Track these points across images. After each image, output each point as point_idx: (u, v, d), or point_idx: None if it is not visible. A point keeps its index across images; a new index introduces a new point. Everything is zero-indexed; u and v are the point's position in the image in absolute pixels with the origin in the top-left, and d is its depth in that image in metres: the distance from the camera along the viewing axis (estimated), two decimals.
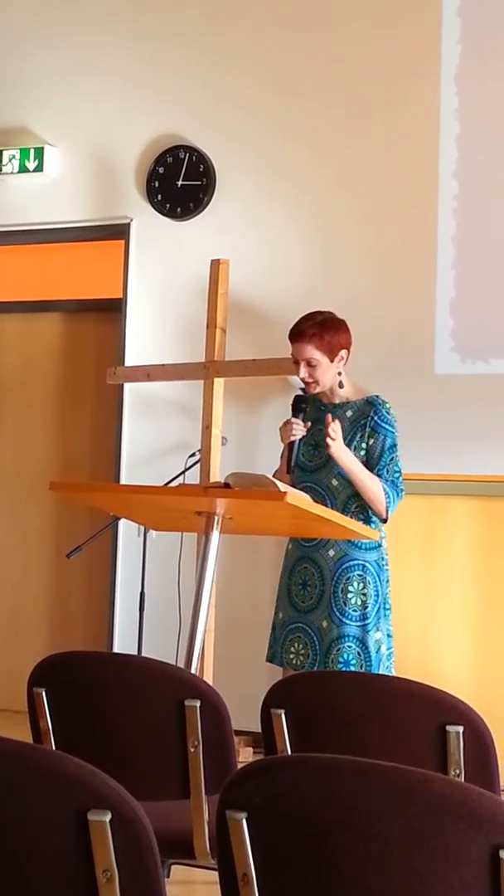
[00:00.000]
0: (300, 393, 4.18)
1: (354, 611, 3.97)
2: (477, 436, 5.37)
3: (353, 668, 3.92)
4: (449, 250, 5.53)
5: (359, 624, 3.97)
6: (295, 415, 4.06)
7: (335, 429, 3.85)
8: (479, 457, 5.31)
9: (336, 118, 5.80)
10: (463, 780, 2.32)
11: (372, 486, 3.93)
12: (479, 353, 5.45)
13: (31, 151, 6.37)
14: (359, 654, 3.96)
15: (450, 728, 2.35)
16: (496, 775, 2.36)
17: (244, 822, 1.64)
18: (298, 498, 3.43)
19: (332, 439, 3.83)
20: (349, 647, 3.95)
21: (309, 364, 4.05)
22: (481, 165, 5.52)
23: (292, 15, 5.93)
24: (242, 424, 5.81)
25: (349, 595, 3.97)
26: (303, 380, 4.09)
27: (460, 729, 2.35)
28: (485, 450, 5.33)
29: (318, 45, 5.86)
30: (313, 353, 4.04)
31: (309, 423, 4.07)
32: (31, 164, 6.37)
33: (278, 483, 3.45)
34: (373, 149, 5.72)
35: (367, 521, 3.97)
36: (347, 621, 3.96)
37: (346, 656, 3.94)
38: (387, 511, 3.97)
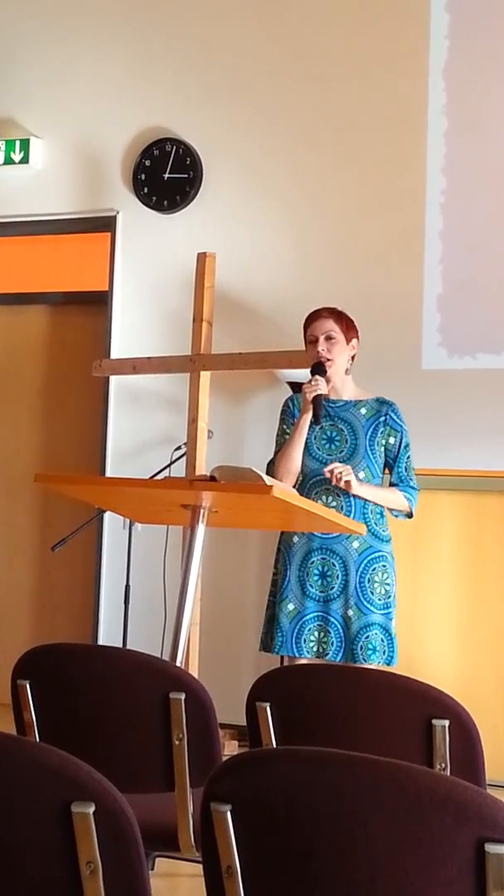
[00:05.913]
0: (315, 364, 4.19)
1: (380, 600, 4.09)
2: (464, 431, 5.38)
3: (378, 655, 4.05)
4: (436, 246, 5.52)
5: (383, 612, 4.09)
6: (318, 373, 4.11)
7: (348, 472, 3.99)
8: (465, 452, 5.32)
9: (324, 113, 5.79)
10: (449, 773, 2.32)
11: (394, 499, 4.15)
12: (466, 349, 5.45)
13: (17, 143, 6.34)
14: (383, 640, 4.08)
15: (436, 722, 2.35)
16: (482, 769, 2.36)
17: (229, 814, 1.64)
18: (284, 491, 3.43)
19: (347, 483, 3.98)
20: (376, 634, 4.06)
21: (328, 338, 4.13)
22: (469, 161, 5.52)
23: (281, 10, 5.92)
24: (228, 418, 5.80)
25: (375, 585, 4.09)
26: (321, 356, 4.12)
27: (446, 723, 2.35)
28: (471, 445, 5.34)
29: (307, 41, 5.85)
30: (333, 326, 4.14)
31: (327, 394, 4.12)
32: (16, 156, 6.35)
33: (264, 476, 3.45)
34: (360, 143, 5.71)
35: (382, 514, 4.19)
36: (374, 609, 4.07)
37: (374, 643, 4.05)
38: (411, 509, 4.20)
